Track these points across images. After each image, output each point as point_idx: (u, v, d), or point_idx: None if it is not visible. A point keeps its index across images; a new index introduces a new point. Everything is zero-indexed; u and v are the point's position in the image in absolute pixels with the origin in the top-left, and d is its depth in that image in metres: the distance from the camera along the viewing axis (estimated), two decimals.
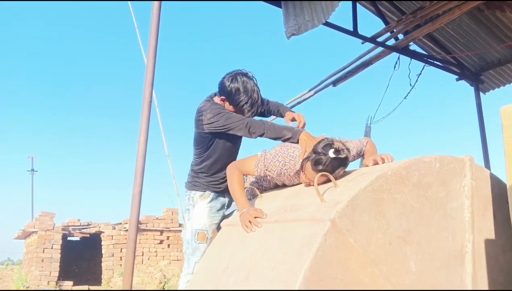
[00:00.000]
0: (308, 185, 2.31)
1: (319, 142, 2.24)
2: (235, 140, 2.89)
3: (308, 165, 2.22)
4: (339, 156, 2.15)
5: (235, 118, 2.68)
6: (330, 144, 2.18)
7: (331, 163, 2.14)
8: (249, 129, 2.64)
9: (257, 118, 2.91)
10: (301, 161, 2.33)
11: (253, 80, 2.79)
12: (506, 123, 2.07)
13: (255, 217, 2.25)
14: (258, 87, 2.79)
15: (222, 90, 2.79)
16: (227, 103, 2.79)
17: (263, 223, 2.22)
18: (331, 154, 2.14)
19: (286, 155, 2.41)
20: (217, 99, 2.86)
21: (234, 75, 2.77)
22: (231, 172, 2.53)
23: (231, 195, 2.56)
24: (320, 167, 2.15)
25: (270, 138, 2.66)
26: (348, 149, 2.22)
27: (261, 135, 2.66)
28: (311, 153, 2.23)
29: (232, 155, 2.92)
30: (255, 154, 2.52)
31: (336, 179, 2.13)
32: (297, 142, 2.51)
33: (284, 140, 2.58)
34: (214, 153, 2.85)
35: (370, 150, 2.55)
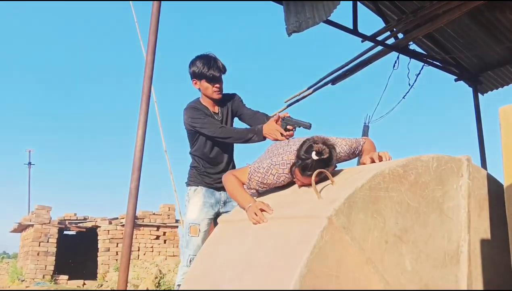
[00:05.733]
0: (302, 186, 2.30)
1: (301, 146, 2.21)
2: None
3: (297, 171, 2.21)
4: (322, 157, 2.13)
5: (210, 126, 2.93)
6: (311, 146, 2.15)
7: (317, 164, 2.12)
8: (222, 135, 2.90)
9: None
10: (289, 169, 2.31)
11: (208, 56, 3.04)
12: (504, 124, 2.07)
13: (261, 210, 2.22)
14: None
15: (190, 75, 3.09)
16: (198, 82, 3.03)
17: None
18: (314, 156, 2.12)
19: (279, 165, 2.38)
20: (202, 96, 3.10)
21: (192, 60, 3.07)
22: (227, 178, 2.52)
23: (232, 197, 2.59)
24: (308, 172, 2.13)
25: (238, 142, 2.95)
26: (332, 146, 2.18)
27: (231, 140, 2.96)
28: (296, 158, 2.21)
29: (219, 151, 3.08)
30: (245, 167, 2.50)
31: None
32: (264, 138, 2.75)
33: (252, 141, 2.82)
34: (199, 149, 3.06)
35: (368, 148, 2.53)
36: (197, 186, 3.04)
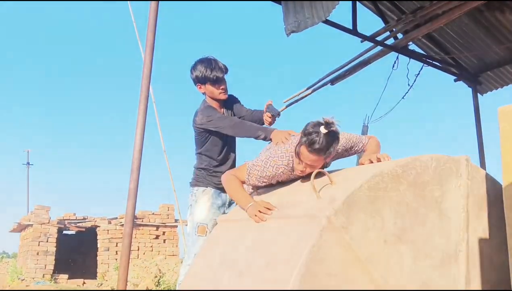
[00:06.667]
0: (303, 172, 2.29)
1: (307, 125, 2.22)
2: (222, 135, 3.07)
3: (303, 148, 2.19)
4: (331, 128, 2.13)
5: (224, 120, 2.96)
6: (318, 122, 2.16)
7: (324, 138, 2.12)
8: (235, 129, 2.93)
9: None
10: (292, 152, 2.30)
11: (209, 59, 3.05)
12: (503, 124, 2.08)
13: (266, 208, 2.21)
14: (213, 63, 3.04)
15: (193, 80, 3.09)
16: (203, 86, 3.04)
17: None
18: (322, 129, 2.12)
19: (277, 157, 2.39)
20: (208, 99, 3.10)
21: (193, 65, 3.07)
22: (226, 178, 2.53)
23: (231, 197, 2.64)
24: (316, 146, 2.13)
25: (248, 137, 2.93)
26: (333, 122, 2.17)
27: (241, 134, 2.97)
28: (302, 136, 2.20)
29: (227, 150, 3.11)
30: (243, 164, 2.51)
31: (329, 166, 2.12)
32: (270, 140, 2.73)
33: (258, 139, 2.82)
34: (209, 151, 3.06)
35: (371, 148, 2.50)
36: (206, 186, 3.04)
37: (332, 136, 2.16)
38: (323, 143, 2.13)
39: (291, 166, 2.37)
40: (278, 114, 3.05)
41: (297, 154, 2.25)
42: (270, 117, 3.03)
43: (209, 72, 2.97)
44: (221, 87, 3.02)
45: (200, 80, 3.02)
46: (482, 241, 2.24)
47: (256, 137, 2.85)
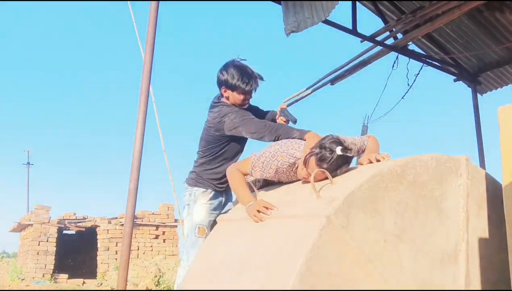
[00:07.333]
0: (305, 180, 2.30)
1: (324, 138, 2.20)
2: (242, 142, 3.03)
3: (312, 160, 2.17)
4: (346, 153, 2.13)
5: (258, 124, 2.76)
6: (337, 141, 2.15)
7: (336, 160, 2.12)
8: (274, 133, 2.68)
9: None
10: (303, 157, 2.28)
11: (243, 63, 2.94)
12: (502, 124, 2.08)
13: (259, 211, 2.21)
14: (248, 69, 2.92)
15: (220, 82, 2.93)
16: (229, 91, 2.89)
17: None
18: (338, 151, 2.11)
19: (286, 153, 2.38)
20: (224, 99, 2.96)
21: (225, 66, 2.93)
22: (231, 172, 2.54)
23: (234, 193, 2.60)
24: (325, 165, 2.12)
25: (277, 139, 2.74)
26: (351, 150, 2.19)
27: (280, 137, 2.70)
28: (317, 147, 2.18)
29: (237, 155, 3.06)
30: (249, 156, 2.51)
31: (336, 176, 2.13)
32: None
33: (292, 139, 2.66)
34: (224, 153, 2.98)
35: (370, 148, 2.50)
36: (206, 188, 2.99)
37: (344, 159, 2.15)
38: (333, 164, 2.12)
39: (294, 168, 2.38)
40: (295, 121, 2.93)
41: (305, 161, 2.23)
42: (284, 122, 2.97)
43: (244, 85, 2.82)
44: (247, 97, 2.92)
45: (228, 86, 2.87)
46: (482, 240, 2.24)
47: (289, 138, 2.70)
